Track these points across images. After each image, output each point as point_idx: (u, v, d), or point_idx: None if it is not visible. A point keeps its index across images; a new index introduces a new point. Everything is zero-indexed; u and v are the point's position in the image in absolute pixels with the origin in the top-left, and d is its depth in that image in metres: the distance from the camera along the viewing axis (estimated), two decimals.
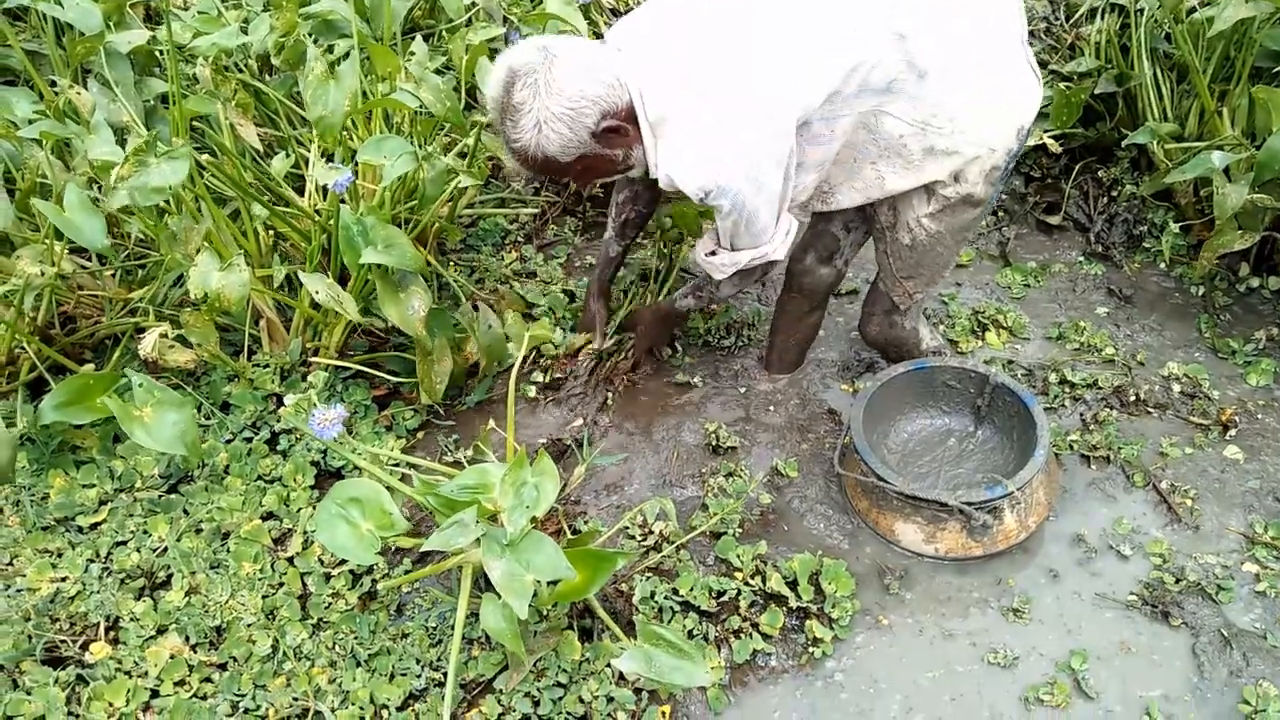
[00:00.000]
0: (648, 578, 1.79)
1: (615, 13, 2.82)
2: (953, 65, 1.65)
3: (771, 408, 2.21)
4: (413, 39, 2.30)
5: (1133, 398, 2.17)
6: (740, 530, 1.92)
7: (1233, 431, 2.09)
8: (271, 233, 2.14)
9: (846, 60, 1.61)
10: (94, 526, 1.86)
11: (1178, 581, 1.81)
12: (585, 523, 1.92)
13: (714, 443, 2.10)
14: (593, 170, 1.70)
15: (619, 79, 1.61)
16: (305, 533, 1.84)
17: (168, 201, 2.01)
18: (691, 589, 1.77)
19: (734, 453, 2.10)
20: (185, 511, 1.88)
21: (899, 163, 1.75)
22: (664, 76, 1.62)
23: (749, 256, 1.79)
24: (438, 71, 2.31)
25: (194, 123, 2.20)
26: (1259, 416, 2.13)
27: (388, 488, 1.54)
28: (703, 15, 1.64)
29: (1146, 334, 2.37)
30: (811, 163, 1.73)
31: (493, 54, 2.42)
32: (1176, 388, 2.20)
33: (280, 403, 2.04)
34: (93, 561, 1.79)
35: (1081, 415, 2.15)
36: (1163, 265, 2.53)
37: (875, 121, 1.69)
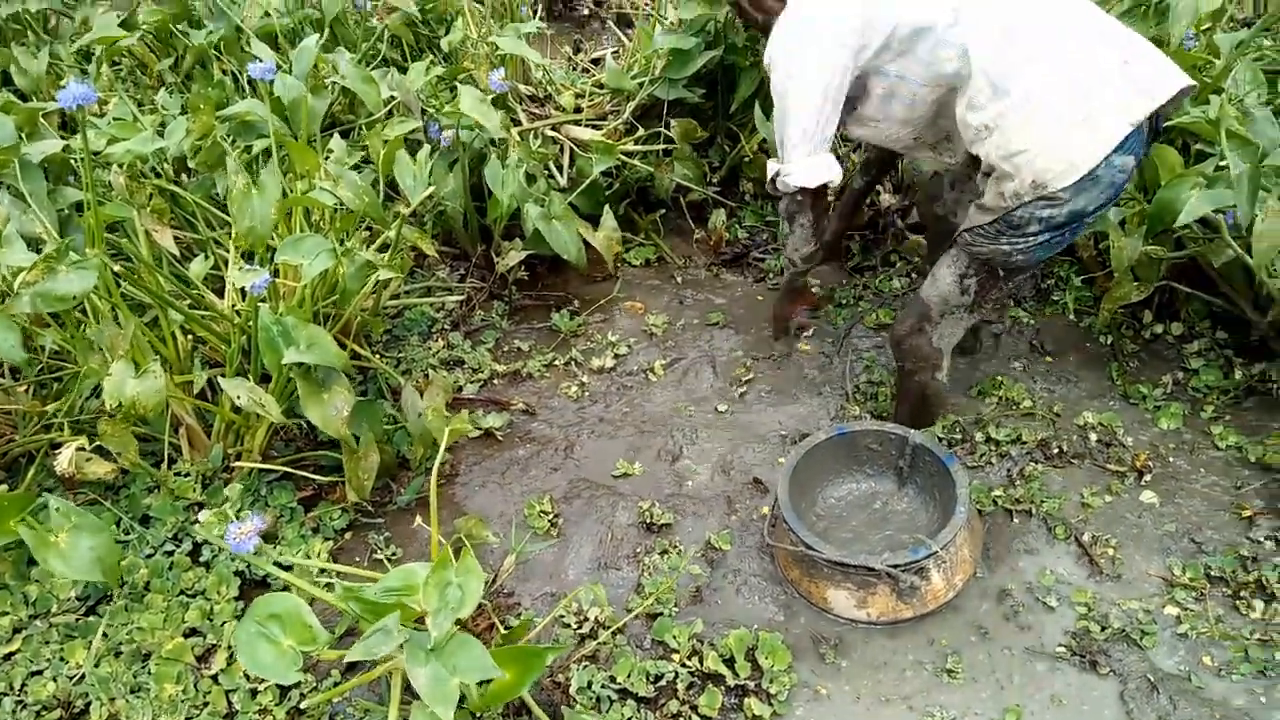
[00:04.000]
0: (584, 666, 1.77)
1: (534, 99, 2.89)
2: (1020, 105, 1.76)
3: (700, 480, 2.23)
4: (331, 135, 2.33)
5: (1056, 450, 2.24)
6: (676, 609, 1.92)
7: (1148, 476, 2.16)
8: (190, 337, 2.12)
9: (936, 15, 1.79)
10: (7, 656, 1.79)
11: (1103, 629, 1.85)
12: (518, 615, 1.91)
13: (648, 520, 2.11)
14: (743, 12, 2.08)
15: None
16: (229, 647, 1.79)
17: (83, 311, 1.99)
18: (629, 675, 1.76)
19: (668, 529, 2.11)
20: (104, 634, 1.82)
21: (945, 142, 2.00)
22: None
23: (775, 169, 2.05)
24: (356, 166, 2.34)
25: (110, 230, 2.19)
26: (1171, 460, 2.21)
27: (311, 599, 1.52)
28: None
29: (1062, 385, 2.45)
30: (901, 99, 1.91)
31: (411, 146, 2.48)
32: (1093, 436, 2.28)
33: (203, 511, 2.00)
34: (5, 694, 1.72)
35: (1009, 471, 2.21)
36: (1071, 317, 2.63)
37: (949, 102, 1.87)
